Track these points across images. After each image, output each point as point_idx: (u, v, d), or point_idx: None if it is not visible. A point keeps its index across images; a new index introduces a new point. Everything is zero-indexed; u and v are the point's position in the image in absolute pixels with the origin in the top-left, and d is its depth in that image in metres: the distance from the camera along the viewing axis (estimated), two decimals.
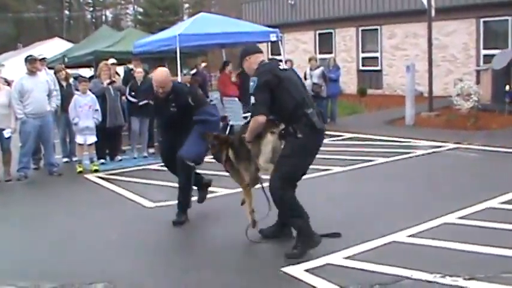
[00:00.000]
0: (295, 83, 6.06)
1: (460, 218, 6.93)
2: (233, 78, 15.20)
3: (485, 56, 21.13)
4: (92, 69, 18.09)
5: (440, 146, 12.27)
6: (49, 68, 13.87)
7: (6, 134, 10.71)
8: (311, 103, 6.07)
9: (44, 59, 12.94)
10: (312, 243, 5.95)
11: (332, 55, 23.36)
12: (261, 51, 6.42)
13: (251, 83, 5.91)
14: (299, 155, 5.92)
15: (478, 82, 18.65)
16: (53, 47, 35.66)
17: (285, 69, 6.22)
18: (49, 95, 11.13)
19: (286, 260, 5.75)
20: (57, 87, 11.81)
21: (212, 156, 6.86)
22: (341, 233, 6.50)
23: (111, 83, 12.14)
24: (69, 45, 33.25)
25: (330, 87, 16.59)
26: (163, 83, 7.33)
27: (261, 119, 5.88)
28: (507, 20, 20.56)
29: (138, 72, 12.94)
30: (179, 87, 7.71)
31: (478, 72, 20.04)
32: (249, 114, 14.10)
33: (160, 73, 7.47)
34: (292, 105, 5.89)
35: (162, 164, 8.18)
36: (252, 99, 5.92)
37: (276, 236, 6.42)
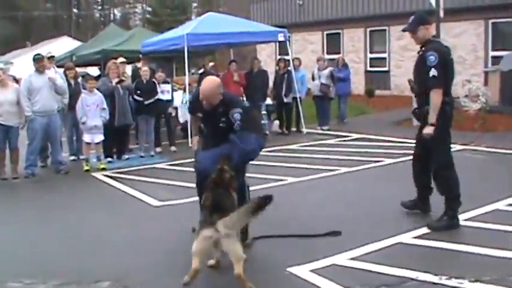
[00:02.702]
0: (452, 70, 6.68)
1: (467, 219, 6.90)
2: (235, 78, 15.20)
3: (493, 57, 21.05)
4: (100, 67, 18.10)
5: None
6: (58, 67, 13.92)
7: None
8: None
9: (52, 57, 12.98)
10: (456, 224, 6.59)
11: (340, 55, 23.33)
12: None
13: (431, 57, 6.35)
14: (443, 141, 6.72)
15: (486, 83, 18.59)
16: (61, 46, 35.73)
17: None
18: (57, 93, 11.18)
19: (429, 226, 6.55)
20: (66, 85, 11.87)
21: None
22: (341, 231, 6.56)
23: (120, 81, 12.15)
24: (78, 43, 33.34)
25: (339, 86, 16.58)
26: (209, 95, 6.15)
27: (441, 92, 6.44)
28: None
29: (144, 70, 12.99)
30: (231, 101, 6.33)
31: (486, 73, 19.99)
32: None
33: (208, 84, 6.22)
34: (447, 90, 6.59)
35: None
36: (433, 72, 6.35)
37: (417, 208, 7.26)
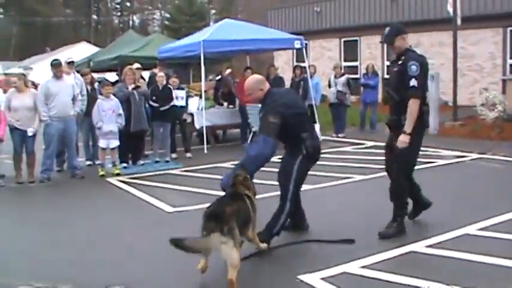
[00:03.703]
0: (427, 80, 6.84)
1: (481, 229, 6.85)
2: None
3: (511, 65, 20.92)
4: (118, 73, 18.19)
5: (464, 156, 12.15)
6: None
7: (30, 132, 10.79)
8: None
9: (72, 62, 13.00)
10: (403, 231, 6.73)
11: (370, 62, 23.24)
12: None
13: (413, 66, 6.40)
14: (413, 150, 6.77)
15: (504, 92, 18.45)
16: (80, 51, 36.10)
17: None
18: (73, 99, 11.26)
19: (380, 234, 6.64)
20: (85, 91, 12.03)
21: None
22: (355, 240, 6.55)
23: (136, 87, 12.18)
24: (96, 49, 33.62)
25: (368, 94, 16.72)
26: (248, 90, 6.56)
27: (419, 102, 6.45)
28: None
29: (160, 76, 13.03)
30: (265, 101, 6.47)
31: (504, 81, 19.84)
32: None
33: (248, 80, 6.73)
34: (424, 99, 6.63)
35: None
36: (414, 82, 6.39)
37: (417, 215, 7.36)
